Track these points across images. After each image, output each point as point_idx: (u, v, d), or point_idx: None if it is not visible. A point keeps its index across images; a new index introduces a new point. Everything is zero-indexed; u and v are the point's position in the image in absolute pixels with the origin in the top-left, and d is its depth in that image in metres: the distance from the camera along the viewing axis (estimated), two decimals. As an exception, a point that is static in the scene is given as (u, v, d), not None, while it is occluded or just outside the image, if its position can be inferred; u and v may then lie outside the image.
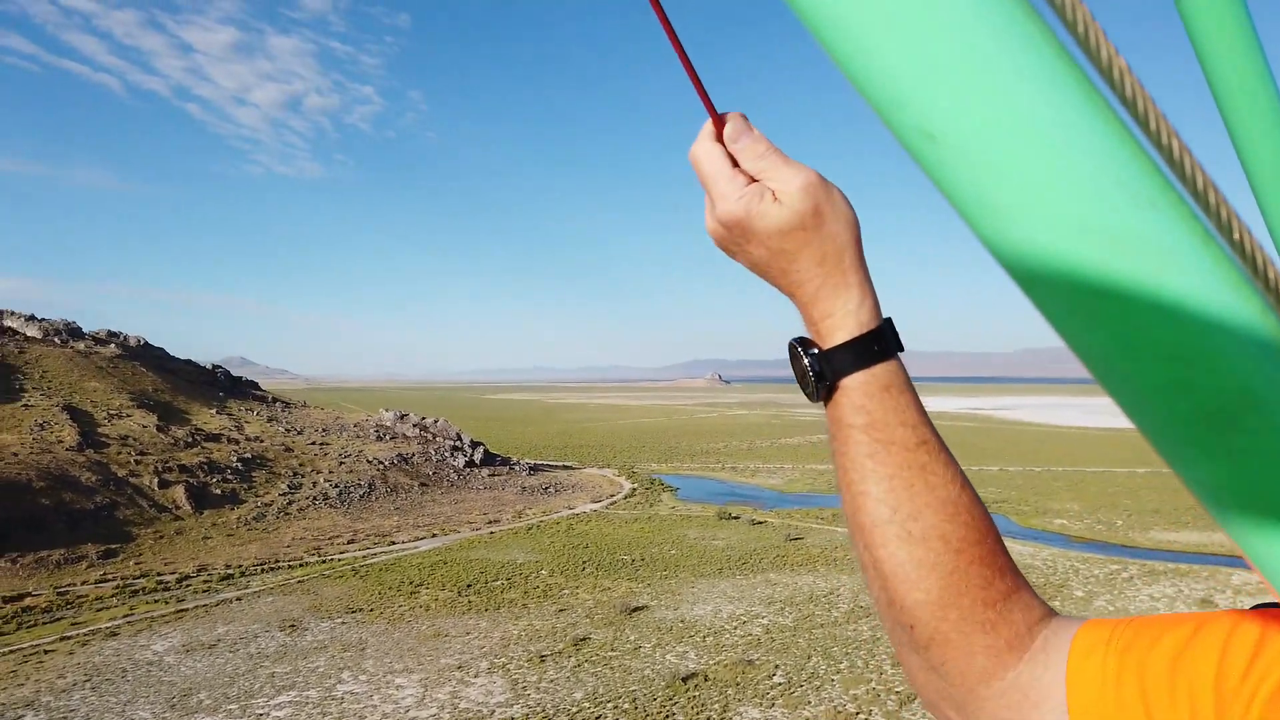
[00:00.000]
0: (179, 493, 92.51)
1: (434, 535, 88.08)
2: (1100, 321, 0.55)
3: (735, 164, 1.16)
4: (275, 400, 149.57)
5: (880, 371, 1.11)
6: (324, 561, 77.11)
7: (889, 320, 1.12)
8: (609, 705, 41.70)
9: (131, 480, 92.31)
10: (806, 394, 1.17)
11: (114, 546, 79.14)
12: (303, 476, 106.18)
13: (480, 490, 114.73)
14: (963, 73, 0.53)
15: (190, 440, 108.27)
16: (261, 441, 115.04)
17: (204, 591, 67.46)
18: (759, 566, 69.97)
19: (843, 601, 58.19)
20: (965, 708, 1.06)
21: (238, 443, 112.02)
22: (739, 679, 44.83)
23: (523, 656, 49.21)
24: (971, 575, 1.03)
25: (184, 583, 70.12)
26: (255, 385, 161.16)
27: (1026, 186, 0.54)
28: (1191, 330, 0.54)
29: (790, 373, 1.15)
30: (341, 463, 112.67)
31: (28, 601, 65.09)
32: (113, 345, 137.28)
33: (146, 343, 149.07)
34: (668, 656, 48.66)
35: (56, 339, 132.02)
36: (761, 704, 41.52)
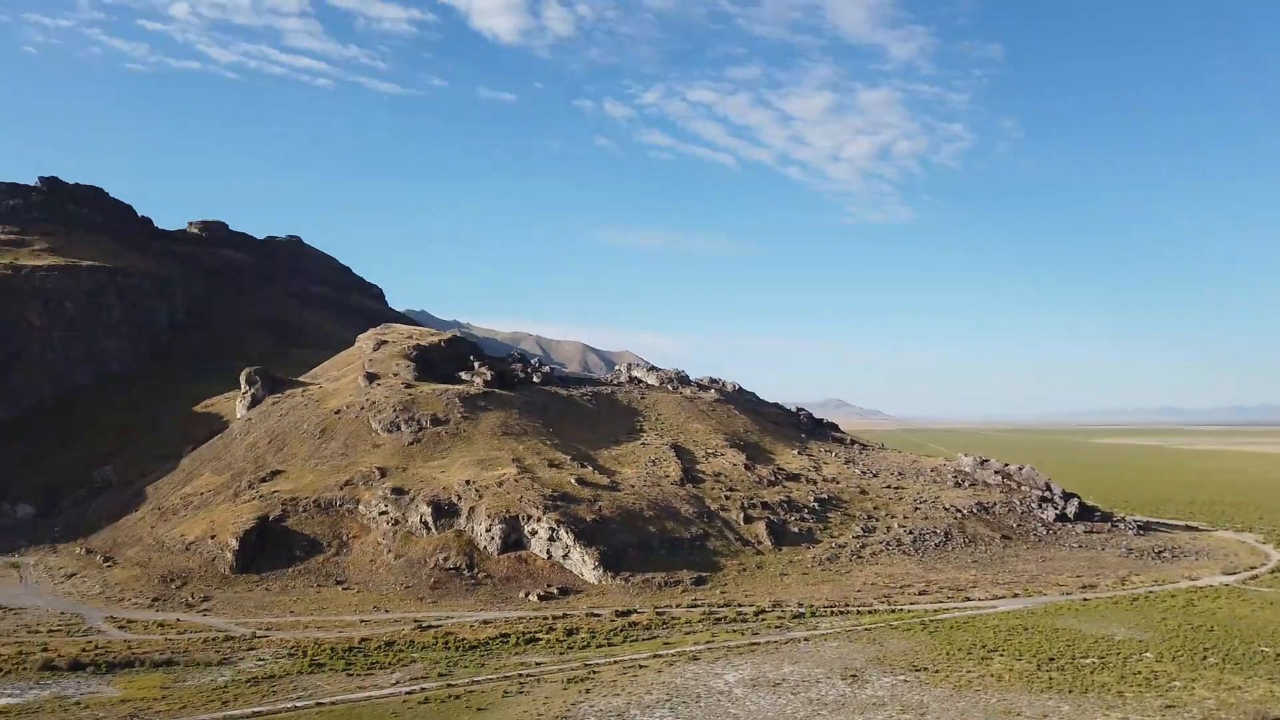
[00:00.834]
0: (760, 528, 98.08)
1: (1015, 595, 79.62)
2: None
3: None
4: (853, 442, 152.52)
5: None
6: (893, 611, 74.26)
7: None
8: None
9: (721, 514, 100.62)
10: None
11: (704, 574, 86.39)
12: (876, 520, 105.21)
13: (1073, 549, 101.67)
14: None
15: (773, 479, 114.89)
16: (838, 483, 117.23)
17: (776, 627, 69.33)
18: None
19: None
20: None
21: (815, 483, 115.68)
22: None
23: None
24: None
25: (760, 616, 73.09)
26: (835, 427, 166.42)
27: None
28: None
29: None
30: (916, 508, 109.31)
31: (634, 618, 73.67)
32: (713, 390, 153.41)
33: (740, 388, 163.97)
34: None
35: (669, 386, 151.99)
36: None
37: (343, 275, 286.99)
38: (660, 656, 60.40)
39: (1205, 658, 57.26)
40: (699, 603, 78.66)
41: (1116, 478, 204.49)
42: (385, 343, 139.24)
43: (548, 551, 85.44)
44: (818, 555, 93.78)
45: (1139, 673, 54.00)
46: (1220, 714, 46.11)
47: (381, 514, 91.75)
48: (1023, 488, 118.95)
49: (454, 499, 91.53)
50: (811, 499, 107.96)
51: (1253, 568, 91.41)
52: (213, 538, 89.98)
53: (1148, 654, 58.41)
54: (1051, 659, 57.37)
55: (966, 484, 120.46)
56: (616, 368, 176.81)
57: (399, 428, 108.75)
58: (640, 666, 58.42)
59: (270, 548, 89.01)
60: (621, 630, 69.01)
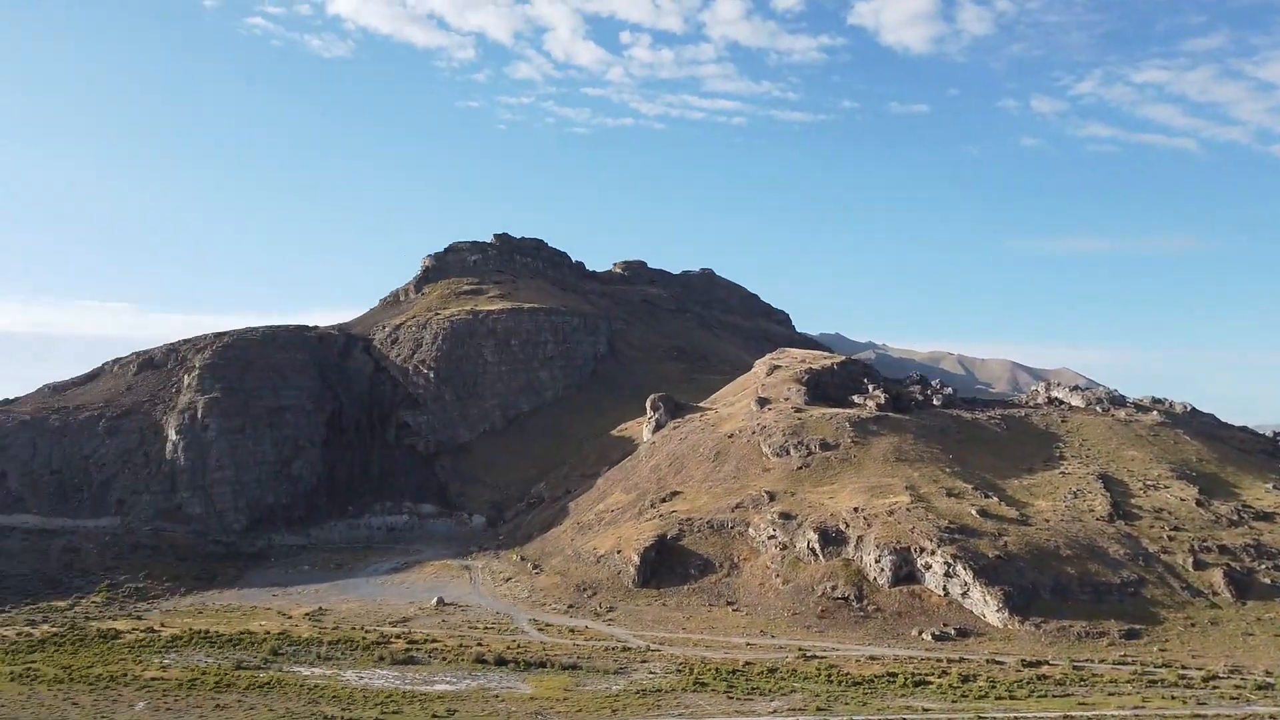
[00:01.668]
0: (1216, 576, 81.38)
1: None
2: None
3: None
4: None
5: None
6: None
7: None
8: None
9: (1162, 557, 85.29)
10: None
11: (1137, 627, 73.46)
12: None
13: None
14: None
15: (1235, 518, 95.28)
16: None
17: (1233, 699, 56.39)
18: None
19: None
20: None
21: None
22: None
23: None
24: None
25: (1210, 683, 60.14)
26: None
27: None
28: None
29: None
30: None
31: (1044, 670, 64.62)
32: (1155, 412, 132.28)
33: (1193, 408, 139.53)
34: None
35: (1098, 407, 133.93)
36: None
37: (751, 303, 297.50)
38: (1073, 718, 51.98)
39: None
40: (1129, 660, 67.11)
41: None
42: (778, 367, 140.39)
43: (944, 588, 78.76)
44: (1297, 614, 75.48)
45: None
46: None
47: (770, 538, 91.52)
48: None
49: (842, 526, 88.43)
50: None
51: None
52: (619, 552, 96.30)
53: None
54: None
55: None
56: (1032, 388, 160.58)
57: (788, 452, 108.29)
58: (1045, 728, 50.77)
59: (668, 564, 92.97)
60: (1027, 683, 60.90)
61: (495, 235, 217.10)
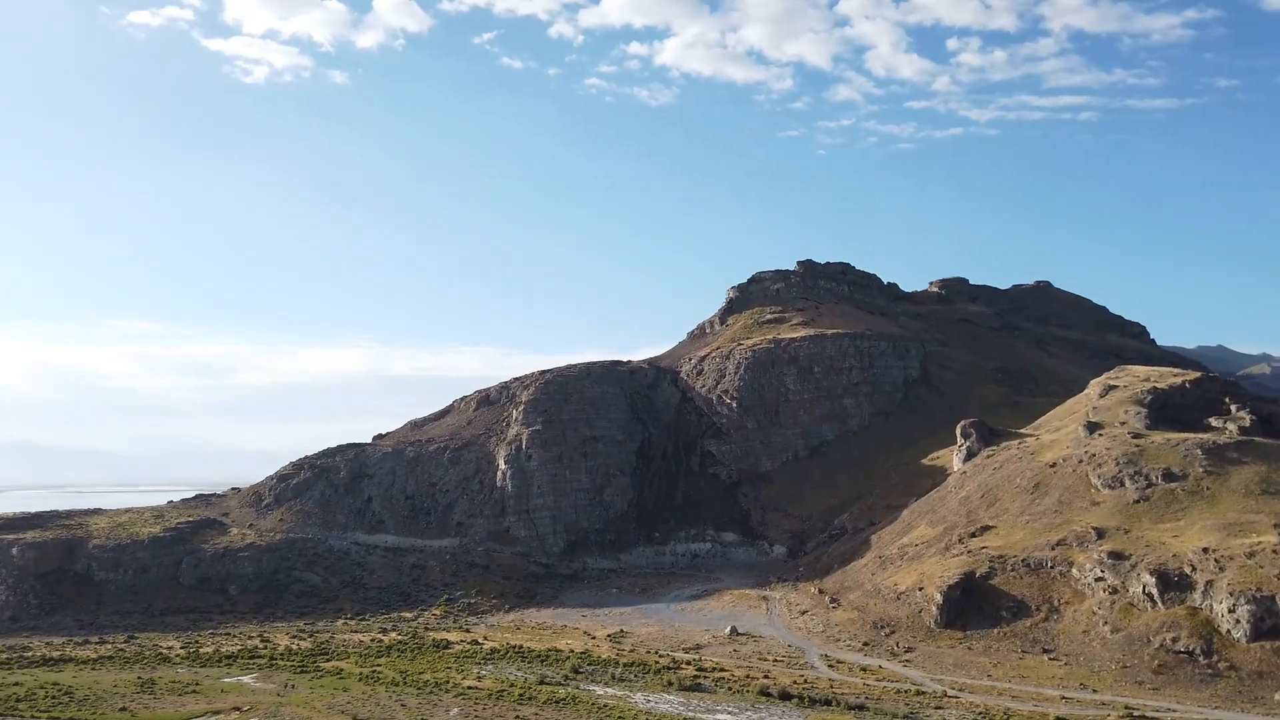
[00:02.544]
0: None
1: None
2: None
3: None
4: None
5: None
6: None
7: None
8: None
9: None
10: None
11: None
12: None
13: None
14: None
15: None
16: None
17: None
18: None
19: None
20: None
21: None
22: None
23: None
24: None
25: None
26: None
27: None
28: None
29: None
30: None
31: None
32: None
33: None
34: None
35: None
36: None
37: (1096, 316, 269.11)
38: None
39: None
40: None
41: None
42: (1114, 387, 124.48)
43: (1323, 648, 64.67)
44: None
45: None
46: None
47: (1097, 580, 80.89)
48: None
49: (1186, 569, 75.94)
50: None
51: None
52: (920, 590, 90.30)
53: None
54: None
55: None
56: None
57: (1122, 483, 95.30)
58: None
59: (975, 605, 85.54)
60: None
61: (798, 262, 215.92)
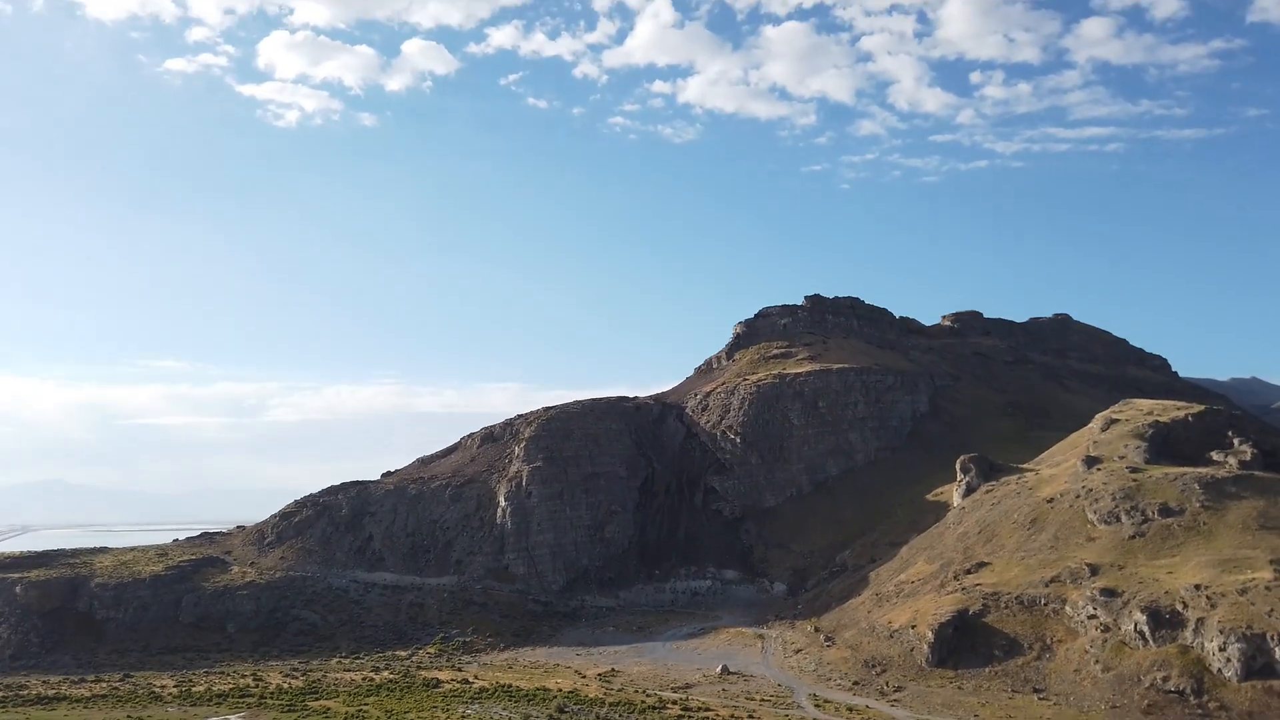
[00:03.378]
0: None
1: None
2: None
3: None
4: None
5: None
6: None
7: None
8: None
9: None
10: None
11: None
12: None
13: None
14: None
15: None
16: None
17: None
18: None
19: None
20: None
21: None
22: None
23: None
24: None
25: None
26: None
27: None
28: None
29: None
30: None
31: None
32: None
33: None
34: None
35: None
36: None
37: (1117, 349, 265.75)
38: None
39: None
40: None
41: None
42: (1116, 421, 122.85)
43: (1314, 688, 63.10)
44: None
45: None
46: None
47: (1090, 618, 79.53)
48: None
49: (1178, 607, 74.55)
50: None
51: None
52: (913, 627, 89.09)
53: None
54: None
55: None
56: None
57: (1118, 518, 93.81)
58: None
59: (968, 643, 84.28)
60: None
61: (806, 297, 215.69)
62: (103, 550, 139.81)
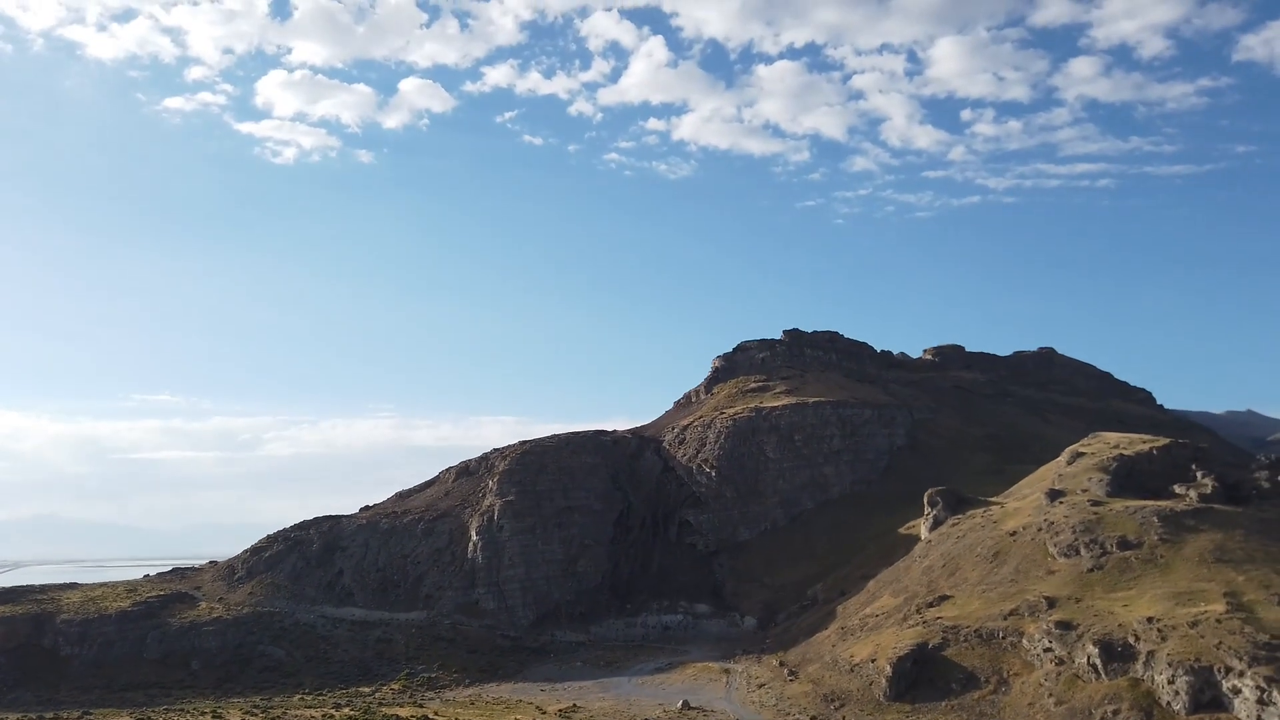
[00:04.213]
0: None
1: None
2: None
3: None
4: None
5: None
6: None
7: None
8: None
9: None
10: None
11: None
12: None
13: None
14: None
15: None
16: None
17: None
18: None
19: None
20: None
21: None
22: None
23: None
24: None
25: None
26: None
27: None
28: None
29: None
30: None
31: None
32: None
33: None
34: None
35: None
36: None
37: (1101, 382, 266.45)
38: None
39: None
40: None
41: None
42: (1082, 454, 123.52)
43: (1257, 717, 63.18)
44: None
45: None
46: None
47: (1045, 651, 79.58)
48: None
49: (1130, 639, 74.67)
50: None
51: None
52: (873, 661, 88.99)
53: None
54: None
55: None
56: None
57: (1078, 551, 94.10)
58: None
59: (927, 677, 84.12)
60: None
61: (785, 331, 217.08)
62: (72, 586, 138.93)
